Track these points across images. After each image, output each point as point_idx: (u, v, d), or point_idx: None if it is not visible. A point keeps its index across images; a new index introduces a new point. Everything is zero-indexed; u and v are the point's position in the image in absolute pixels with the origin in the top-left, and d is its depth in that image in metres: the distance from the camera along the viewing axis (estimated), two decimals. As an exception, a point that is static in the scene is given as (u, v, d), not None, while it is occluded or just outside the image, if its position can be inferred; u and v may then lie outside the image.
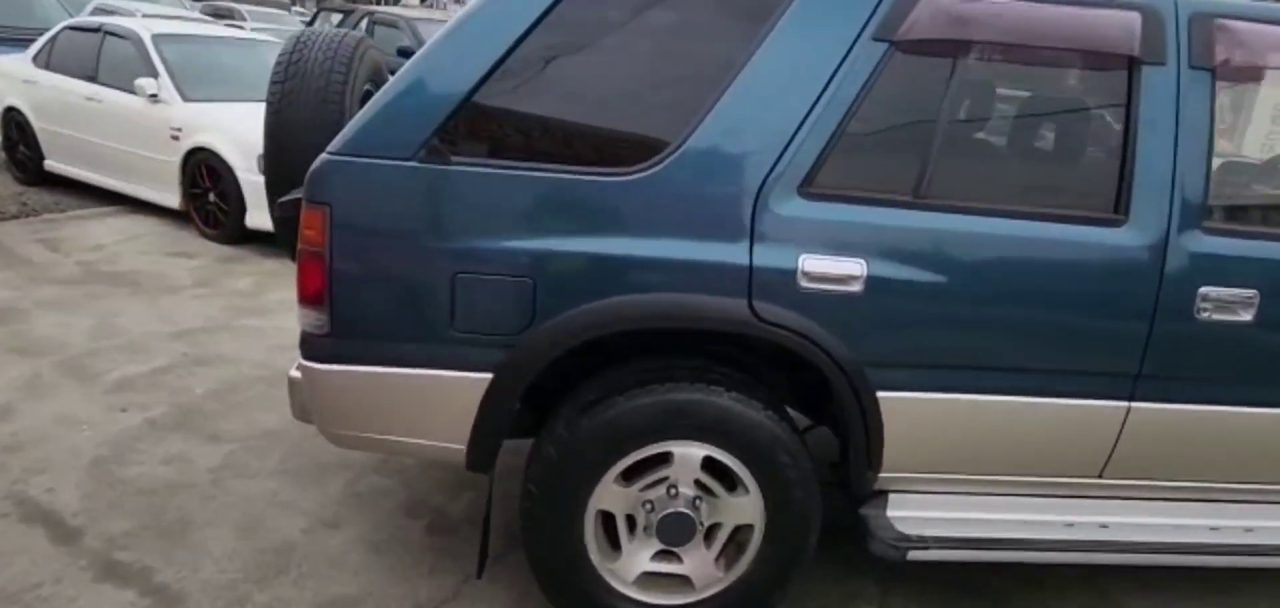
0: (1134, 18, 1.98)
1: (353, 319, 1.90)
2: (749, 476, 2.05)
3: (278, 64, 2.40)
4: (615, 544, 2.12)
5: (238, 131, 5.36)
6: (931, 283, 1.95)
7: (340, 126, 2.25)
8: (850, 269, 1.92)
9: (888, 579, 2.56)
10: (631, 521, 2.11)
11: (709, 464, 2.05)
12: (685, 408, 1.98)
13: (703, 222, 1.90)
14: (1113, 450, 2.17)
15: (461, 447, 2.01)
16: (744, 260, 1.90)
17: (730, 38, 1.92)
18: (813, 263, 1.91)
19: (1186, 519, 2.31)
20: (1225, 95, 2.19)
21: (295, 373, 2.08)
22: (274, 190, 2.37)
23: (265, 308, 4.48)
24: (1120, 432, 2.13)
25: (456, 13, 2.25)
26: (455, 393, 1.95)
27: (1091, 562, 2.22)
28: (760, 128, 1.90)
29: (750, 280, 1.90)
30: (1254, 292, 2.04)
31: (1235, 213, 2.11)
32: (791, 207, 1.91)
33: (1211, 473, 2.26)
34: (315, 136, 2.27)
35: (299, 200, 1.96)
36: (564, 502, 2.03)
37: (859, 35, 1.92)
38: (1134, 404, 2.10)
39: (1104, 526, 2.27)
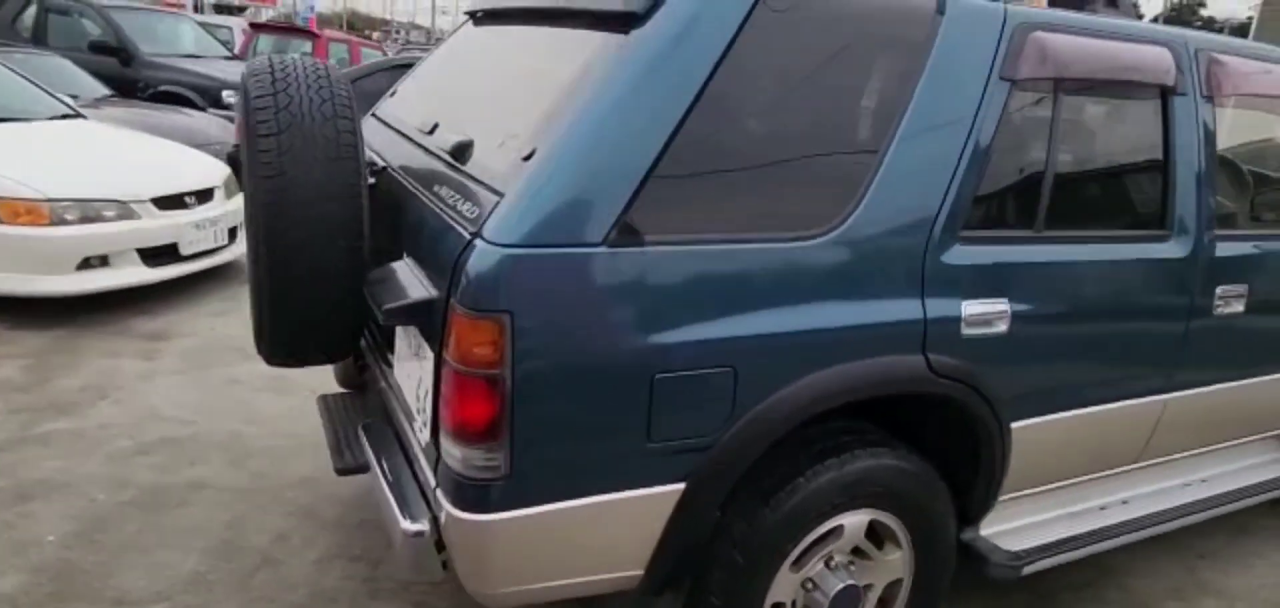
0: (1167, 53, 2.21)
1: (539, 451, 1.49)
2: (903, 530, 1.98)
3: (254, 109, 1.81)
4: (780, 636, 1.94)
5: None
6: (1054, 311, 2.03)
7: (360, 193, 1.79)
8: (1000, 308, 1.92)
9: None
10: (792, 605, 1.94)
11: (871, 528, 1.94)
12: (863, 477, 1.85)
13: (883, 279, 1.78)
14: (1151, 436, 2.43)
15: (639, 572, 1.69)
16: (919, 315, 1.81)
17: (889, 86, 1.80)
18: (971, 308, 1.88)
19: (1173, 482, 2.67)
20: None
21: (419, 527, 1.60)
22: (282, 286, 1.79)
23: (66, 401, 3.42)
24: (1160, 419, 2.39)
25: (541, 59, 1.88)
26: (642, 513, 1.63)
27: (1153, 534, 2.47)
28: (925, 175, 1.82)
29: (925, 335, 1.82)
30: (1245, 286, 2.40)
31: (1228, 220, 2.46)
32: (953, 254, 1.85)
33: (1204, 440, 2.64)
34: (332, 208, 1.78)
35: (414, 305, 1.50)
36: (745, 604, 1.80)
37: (990, 76, 1.91)
38: (1171, 395, 2.37)
39: (1125, 502, 2.55)
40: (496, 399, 1.43)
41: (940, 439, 2.05)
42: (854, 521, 1.90)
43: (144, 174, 4.65)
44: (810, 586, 1.92)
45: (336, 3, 66.56)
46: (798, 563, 1.88)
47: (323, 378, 3.73)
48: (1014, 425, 2.04)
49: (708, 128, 1.59)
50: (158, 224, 4.49)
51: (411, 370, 1.68)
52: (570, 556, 1.62)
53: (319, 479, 2.97)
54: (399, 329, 1.76)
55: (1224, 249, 2.35)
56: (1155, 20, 4.65)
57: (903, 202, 1.79)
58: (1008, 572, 2.18)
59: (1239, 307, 2.40)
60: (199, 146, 5.70)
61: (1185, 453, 2.64)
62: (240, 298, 4.90)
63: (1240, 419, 2.70)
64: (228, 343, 4.17)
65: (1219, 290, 2.34)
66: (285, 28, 12.99)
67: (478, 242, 1.45)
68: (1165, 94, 2.23)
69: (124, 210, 4.35)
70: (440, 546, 1.62)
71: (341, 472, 2.01)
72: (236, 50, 10.99)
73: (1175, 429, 2.47)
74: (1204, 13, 37.46)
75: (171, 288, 4.67)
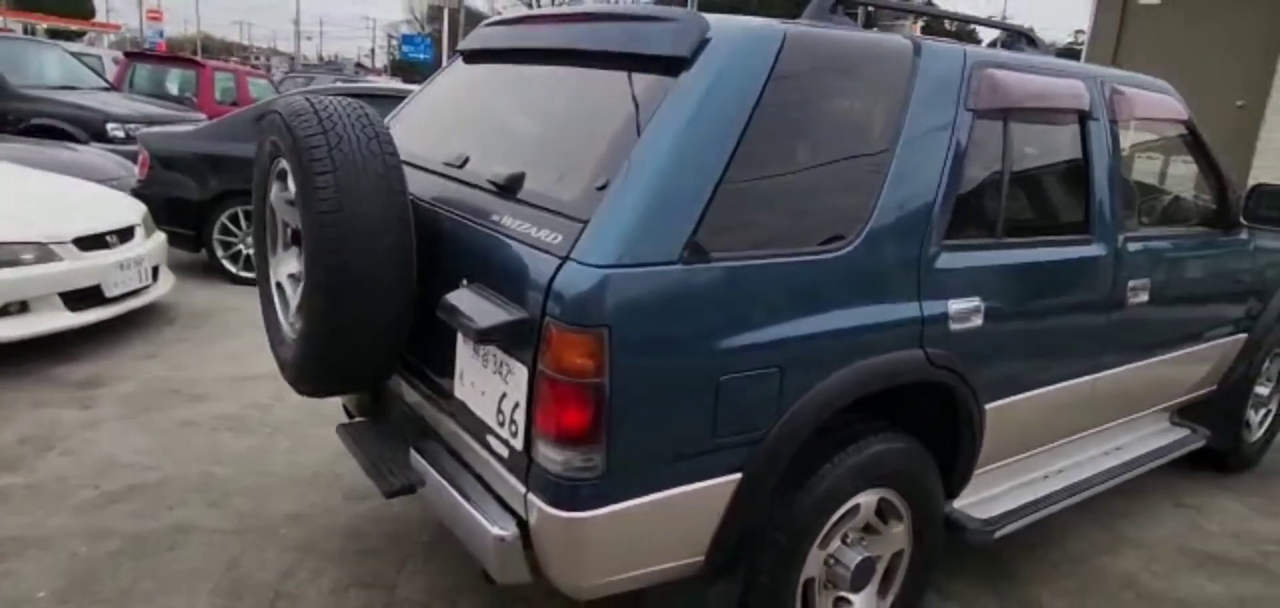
0: (1083, 84, 2.61)
1: (629, 450, 1.64)
2: (905, 506, 2.25)
3: (307, 148, 1.89)
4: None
5: None
6: (1014, 306, 2.36)
7: (410, 224, 1.91)
8: (975, 305, 2.23)
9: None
10: (814, 581, 2.16)
11: (880, 505, 2.20)
12: (876, 461, 2.10)
13: (891, 285, 2.04)
14: (1085, 410, 2.83)
15: (701, 559, 1.87)
16: (918, 314, 2.09)
17: (884, 118, 2.07)
18: (955, 306, 2.18)
19: (1095, 452, 3.10)
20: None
21: (507, 532, 1.71)
22: (342, 317, 1.87)
23: (8, 456, 3.21)
24: (1092, 395, 2.78)
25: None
26: (706, 502, 1.81)
27: (1086, 497, 2.85)
28: (918, 192, 2.10)
29: (922, 331, 2.10)
30: (1148, 279, 2.84)
31: (1131, 223, 2.89)
32: (941, 260, 2.14)
33: (1120, 413, 3.07)
34: (388, 239, 1.89)
35: (510, 324, 1.63)
36: (787, 582, 2.01)
37: (959, 106, 2.22)
38: (1099, 374, 2.77)
39: (1061, 471, 2.94)
40: (595, 405, 1.58)
41: (927, 424, 2.33)
42: (868, 500, 2.15)
43: (62, 214, 4.41)
44: (833, 561, 2.15)
45: (187, 28, 62.85)
46: (824, 542, 2.10)
47: (280, 416, 3.70)
48: (988, 407, 2.35)
49: (752, 156, 1.80)
50: (81, 266, 4.27)
51: (487, 386, 1.79)
52: (648, 546, 1.78)
53: (309, 515, 2.96)
54: (466, 351, 1.87)
55: (1132, 248, 2.77)
56: (992, 45, 5.26)
57: (902, 216, 2.06)
58: (983, 536, 2.49)
59: (1145, 297, 2.83)
60: (99, 183, 5.42)
61: (1106, 426, 3.06)
62: (167, 339, 4.71)
63: (1147, 394, 3.16)
64: (166, 386, 4.02)
65: (1130, 283, 2.76)
66: (166, 57, 12.29)
67: (571, 264, 1.60)
68: (1083, 119, 2.63)
69: (44, 253, 4.12)
70: (526, 547, 1.74)
71: (390, 494, 2.08)
72: (111, 80, 10.33)
73: (1102, 404, 2.88)
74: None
75: (92, 333, 4.44)
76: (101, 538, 2.72)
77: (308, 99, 2.01)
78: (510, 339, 1.67)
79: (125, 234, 4.67)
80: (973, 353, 2.23)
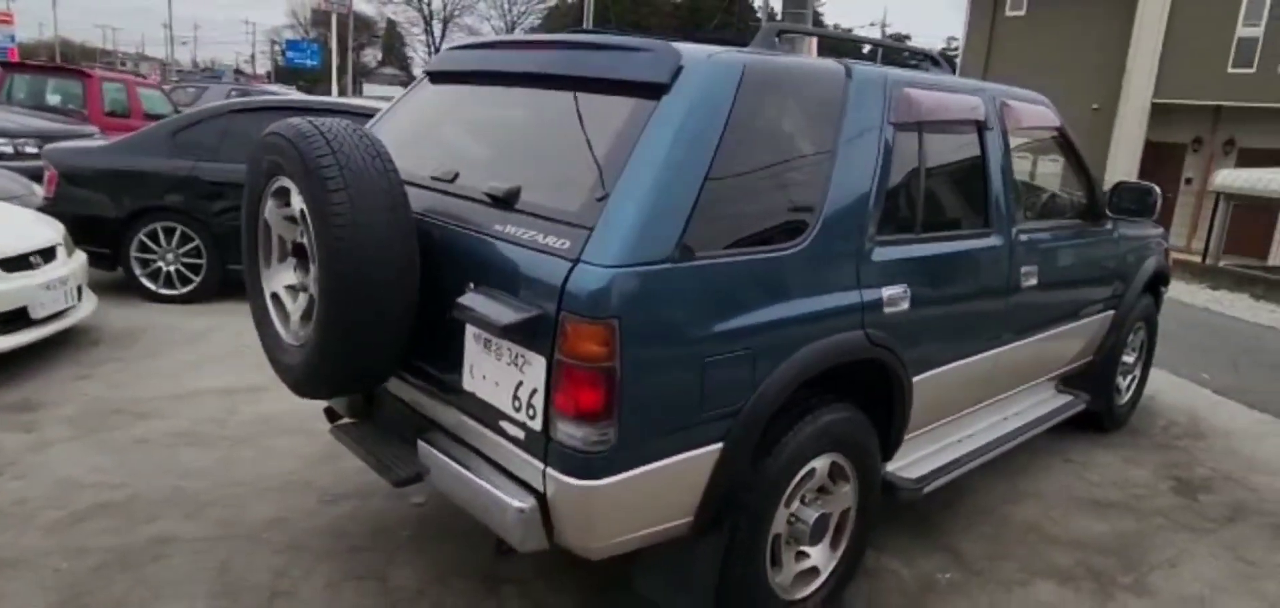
0: (979, 99, 3.05)
1: (634, 425, 1.90)
2: (851, 468, 2.59)
3: (319, 168, 2.06)
4: (774, 562, 2.45)
5: None
6: (933, 291, 2.74)
7: (413, 234, 2.12)
8: (903, 291, 2.59)
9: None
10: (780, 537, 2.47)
11: (832, 468, 2.53)
12: (829, 428, 2.42)
13: (837, 275, 2.38)
14: (989, 381, 3.26)
15: (690, 519, 2.14)
16: (859, 300, 2.43)
17: (825, 133, 2.41)
18: (888, 292, 2.54)
19: (996, 418, 3.56)
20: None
21: (528, 504, 1.93)
22: (355, 324, 2.05)
23: (-43, 483, 3.18)
24: (995, 368, 3.22)
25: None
26: (694, 469, 2.08)
27: (991, 457, 3.29)
28: (856, 194, 2.44)
29: (863, 315, 2.44)
30: (1036, 265, 3.31)
31: (1019, 217, 3.35)
32: (875, 253, 2.50)
33: (1015, 383, 3.53)
34: (395, 250, 2.10)
35: (529, 320, 1.86)
36: (760, 537, 2.31)
37: (883, 120, 2.59)
38: (1000, 349, 3.21)
39: (971, 436, 3.38)
40: (608, 386, 1.83)
41: (866, 397, 2.68)
42: (821, 464, 2.47)
43: (-18, 235, 4.27)
44: (794, 519, 2.47)
45: (42, 32, 58.28)
46: (788, 501, 2.42)
47: (236, 429, 3.77)
48: (914, 380, 2.72)
49: (723, 168, 2.09)
50: (7, 288, 4.16)
51: (501, 377, 2.01)
52: (648, 509, 2.04)
53: (289, 519, 3.06)
54: (476, 347, 2.08)
55: (1022, 239, 3.23)
56: (873, 52, 5.82)
57: (844, 216, 2.40)
58: (913, 493, 2.87)
59: (1034, 281, 3.30)
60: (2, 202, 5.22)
61: (1006, 394, 3.53)
62: (98, 360, 4.62)
63: (1039, 365, 3.66)
64: (108, 406, 3.98)
65: (1022, 269, 3.22)
66: (48, 67, 11.58)
67: (582, 265, 1.85)
68: (980, 129, 3.06)
69: (-32, 276, 4.00)
70: (543, 517, 1.97)
71: (398, 484, 2.26)
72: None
73: (1003, 375, 3.33)
74: (910, 44, 43.78)
75: (18, 357, 4.31)
76: (80, 555, 2.75)
77: (310, 122, 2.17)
78: (527, 333, 1.90)
79: (48, 254, 4.56)
80: (902, 333, 2.60)
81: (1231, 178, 14.07)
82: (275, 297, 2.42)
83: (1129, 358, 4.51)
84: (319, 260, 2.08)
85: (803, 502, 2.50)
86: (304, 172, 2.08)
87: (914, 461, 3.04)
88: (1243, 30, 17.17)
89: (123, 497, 3.15)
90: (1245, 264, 13.73)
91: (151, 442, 3.63)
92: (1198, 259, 14.29)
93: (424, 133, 2.77)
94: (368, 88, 45.88)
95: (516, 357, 1.96)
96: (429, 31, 56.41)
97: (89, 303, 4.92)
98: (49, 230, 4.71)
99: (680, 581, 2.30)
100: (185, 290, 5.91)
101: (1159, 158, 18.47)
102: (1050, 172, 3.87)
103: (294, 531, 2.99)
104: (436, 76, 2.92)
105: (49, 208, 5.60)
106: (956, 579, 2.98)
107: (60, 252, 4.67)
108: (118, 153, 5.99)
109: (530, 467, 1.97)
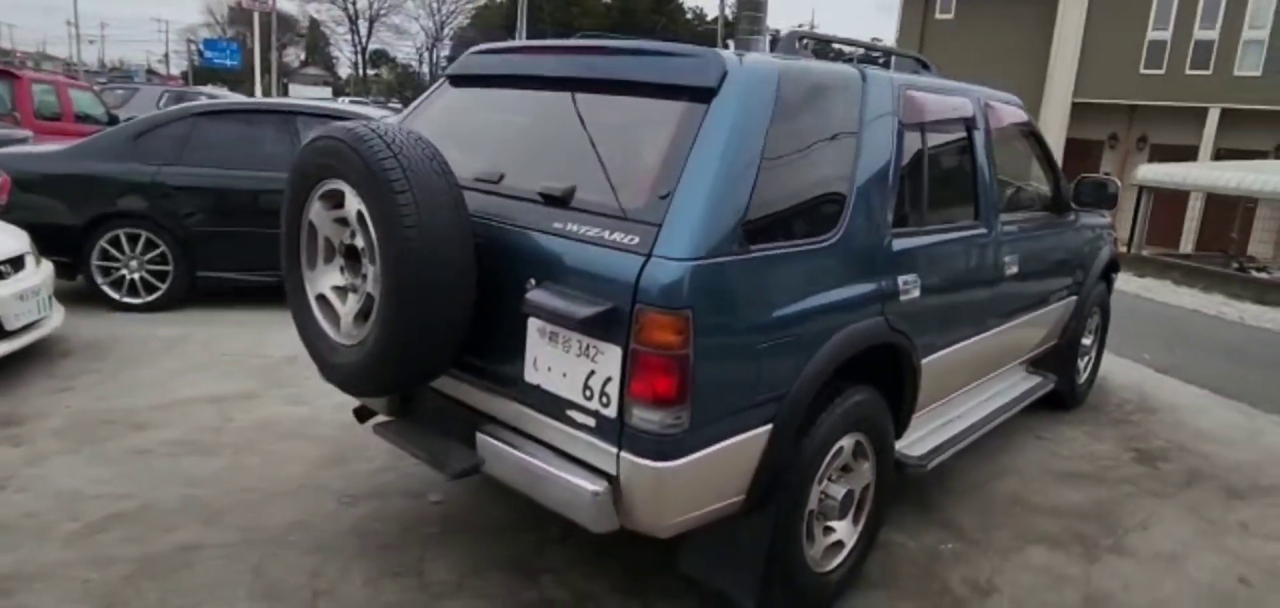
0: (968, 100, 3.27)
1: (704, 409, 2.01)
2: (871, 447, 2.76)
3: (383, 170, 2.11)
4: (809, 537, 2.60)
5: None
6: (937, 279, 2.94)
7: (470, 233, 2.20)
8: (914, 279, 2.78)
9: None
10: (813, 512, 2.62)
11: (855, 447, 2.69)
12: (854, 409, 2.58)
13: (862, 265, 2.54)
14: (978, 363, 3.49)
15: (743, 497, 2.27)
16: (879, 288, 2.60)
17: (848, 131, 2.57)
18: (902, 280, 2.72)
19: (979, 400, 3.80)
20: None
21: (601, 487, 2.03)
22: (420, 321, 2.12)
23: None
24: (983, 350, 3.45)
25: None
26: (748, 451, 2.21)
27: (980, 436, 3.52)
28: (876, 189, 2.61)
29: (883, 303, 2.62)
30: (1017, 255, 3.55)
31: (1002, 209, 3.59)
32: (894, 244, 2.68)
33: (996, 366, 3.78)
34: (455, 248, 2.17)
35: (605, 313, 1.96)
36: (800, 512, 2.45)
37: (897, 122, 2.77)
38: (986, 333, 3.44)
39: (960, 416, 3.60)
40: (682, 372, 1.94)
41: (881, 379, 2.85)
42: (848, 443, 2.63)
43: (-47, 245, 4.10)
44: (824, 496, 2.62)
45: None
46: (820, 479, 2.57)
47: (235, 436, 3.76)
48: (923, 362, 2.91)
49: (770, 166, 2.23)
50: (-19, 299, 4.01)
51: (569, 368, 2.09)
52: (711, 487, 2.16)
53: (311, 522, 3.07)
54: (541, 340, 2.15)
55: (1005, 230, 3.47)
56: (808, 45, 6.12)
57: (867, 209, 2.57)
58: (919, 469, 3.06)
59: (1015, 269, 3.54)
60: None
61: (989, 376, 3.77)
62: (74, 372, 4.48)
63: (1017, 348, 3.91)
64: (97, 417, 3.88)
65: (1006, 258, 3.46)
66: (-29, 68, 10.97)
67: (655, 260, 1.95)
68: (969, 127, 3.28)
69: (-59, 287, 3.84)
70: (615, 500, 2.07)
71: (456, 477, 2.33)
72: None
73: (989, 358, 3.57)
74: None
75: (-10, 370, 4.17)
76: (106, 565, 2.72)
77: (366, 125, 2.22)
78: (602, 326, 1.99)
79: (16, 263, 4.41)
80: (914, 318, 2.78)
81: (1151, 172, 15.01)
82: (322, 298, 2.45)
83: (1087, 340, 4.84)
84: (384, 262, 2.13)
85: (830, 479, 2.65)
86: (366, 175, 2.13)
87: (916, 440, 3.23)
88: (1153, 34, 18.32)
89: (134, 507, 3.10)
90: (1164, 253, 14.67)
91: (151, 452, 3.56)
92: (1124, 250, 15.19)
93: (456, 136, 2.81)
94: (294, 89, 44.64)
95: (588, 348, 2.05)
96: (355, 31, 55.28)
97: (59, 313, 4.76)
98: (15, 239, 4.54)
99: (725, 558, 2.42)
100: (151, 298, 5.76)
101: (1079, 154, 19.52)
102: (1021, 167, 4.11)
103: (319, 533, 3.00)
104: (459, 80, 2.97)
105: (2, 215, 5.38)
106: (958, 549, 3.19)
107: (29, 261, 4.52)
108: (75, 157, 5.79)
109: (602, 452, 2.07)
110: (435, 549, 2.94)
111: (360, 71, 56.03)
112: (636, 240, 2.02)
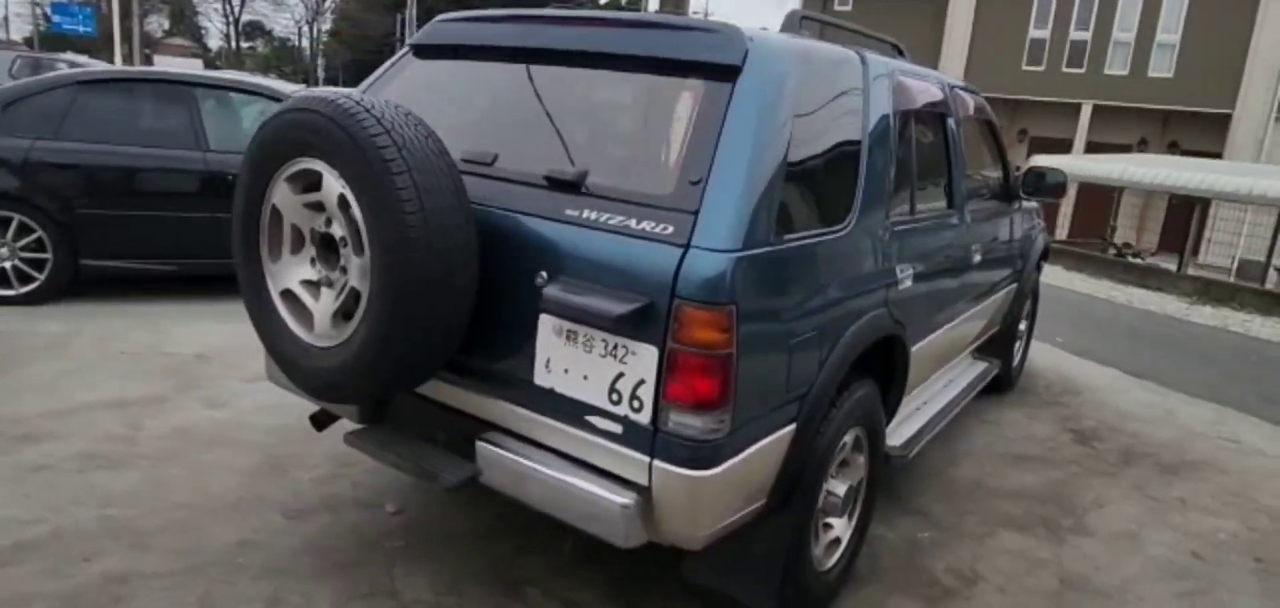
0: (940, 88, 3.26)
1: (744, 411, 1.87)
2: (866, 439, 2.70)
3: (378, 150, 1.86)
4: (815, 536, 2.50)
5: None
6: (924, 266, 2.91)
7: (473, 221, 2.00)
8: (909, 268, 2.73)
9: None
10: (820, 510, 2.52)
11: (855, 441, 2.62)
12: (859, 403, 2.51)
13: (871, 256, 2.46)
14: (949, 348, 3.51)
15: (766, 499, 2.14)
16: (883, 278, 2.54)
17: (855, 119, 2.48)
18: (900, 270, 2.66)
19: (941, 385, 3.84)
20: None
21: (630, 499, 1.85)
22: (415, 317, 1.88)
23: None
24: (954, 334, 3.47)
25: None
26: (775, 452, 2.09)
27: (948, 420, 3.54)
28: (879, 177, 2.54)
29: (886, 292, 2.55)
30: (981, 242, 3.59)
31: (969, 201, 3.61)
32: (892, 234, 2.61)
33: (961, 350, 3.82)
34: (459, 236, 1.96)
35: (642, 309, 1.78)
36: (812, 512, 2.35)
37: (892, 108, 2.70)
38: (959, 318, 3.46)
39: (926, 403, 3.62)
40: (726, 373, 1.79)
41: (874, 369, 2.79)
42: (850, 438, 2.55)
43: None
44: (829, 493, 2.53)
45: None
46: (829, 476, 2.48)
47: (149, 446, 3.38)
48: (912, 349, 2.88)
49: (797, 151, 2.10)
50: None
51: (591, 370, 1.90)
52: (742, 493, 2.02)
53: (258, 541, 2.75)
54: (556, 340, 1.95)
55: (971, 218, 3.49)
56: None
57: (873, 198, 2.48)
58: (902, 458, 3.04)
59: (980, 256, 3.58)
60: None
61: (949, 362, 3.81)
62: (-59, 376, 3.88)
63: (973, 334, 3.97)
64: (-21, 431, 3.37)
65: (972, 246, 3.48)
66: None
67: (695, 251, 1.79)
68: (943, 115, 3.27)
69: None
70: (644, 512, 1.90)
71: (454, 488, 2.09)
72: None
73: (954, 345, 3.59)
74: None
75: None
76: (23, 605, 2.33)
77: (350, 96, 1.95)
78: (634, 324, 1.81)
79: None
80: (906, 306, 2.73)
81: (1042, 164, 15.88)
82: (288, 294, 2.15)
83: (1023, 326, 5.00)
84: (376, 253, 1.87)
85: (833, 476, 2.57)
86: (355, 154, 1.87)
87: (892, 429, 3.20)
88: (1033, 32, 19.44)
89: (44, 533, 2.68)
90: (1054, 242, 15.59)
91: (53, 468, 3.11)
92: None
93: (430, 114, 2.55)
94: (159, 61, 41.36)
95: (616, 348, 1.87)
96: (227, 1, 51.70)
97: (-81, 308, 4.12)
98: None
99: (737, 564, 2.29)
100: (26, 290, 5.10)
101: (964, 145, 20.50)
102: (977, 156, 4.18)
103: (269, 553, 2.68)
104: (424, 51, 2.70)
105: None
106: (935, 537, 3.19)
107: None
108: (-69, 133, 5.04)
109: (630, 461, 1.89)
110: (404, 565, 2.68)
111: (233, 44, 52.50)
112: (671, 230, 1.84)
